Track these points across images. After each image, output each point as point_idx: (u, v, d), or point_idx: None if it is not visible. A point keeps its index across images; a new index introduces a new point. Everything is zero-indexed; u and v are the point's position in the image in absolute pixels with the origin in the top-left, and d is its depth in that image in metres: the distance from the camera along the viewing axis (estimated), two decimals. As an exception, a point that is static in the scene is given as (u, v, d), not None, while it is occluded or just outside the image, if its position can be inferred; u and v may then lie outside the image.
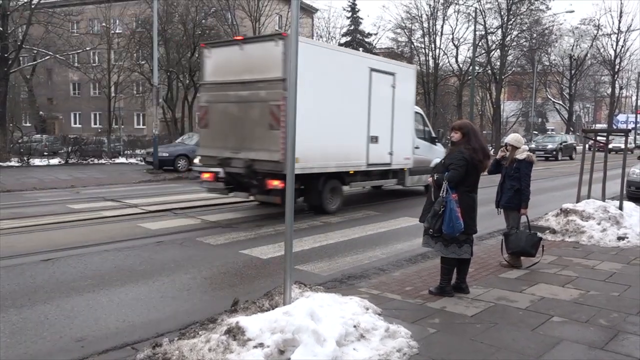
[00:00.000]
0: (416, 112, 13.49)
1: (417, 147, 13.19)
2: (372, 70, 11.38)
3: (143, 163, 23.73)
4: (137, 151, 28.61)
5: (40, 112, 39.09)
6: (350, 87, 10.91)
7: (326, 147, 10.37)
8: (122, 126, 36.64)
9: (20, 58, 30.37)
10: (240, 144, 9.98)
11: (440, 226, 5.02)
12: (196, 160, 13.47)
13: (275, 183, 9.59)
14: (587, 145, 10.34)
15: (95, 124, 47.13)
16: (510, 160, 6.56)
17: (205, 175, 11.06)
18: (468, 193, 5.18)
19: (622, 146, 10.48)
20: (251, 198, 10.94)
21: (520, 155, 6.52)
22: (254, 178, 9.99)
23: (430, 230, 5.14)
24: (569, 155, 35.18)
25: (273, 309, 4.24)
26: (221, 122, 10.38)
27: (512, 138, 6.71)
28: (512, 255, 6.53)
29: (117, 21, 36.62)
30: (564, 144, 35.23)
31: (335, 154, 10.62)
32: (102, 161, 25.60)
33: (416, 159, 12.96)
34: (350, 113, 10.97)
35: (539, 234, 6.67)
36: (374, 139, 11.50)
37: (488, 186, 7.72)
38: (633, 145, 38.15)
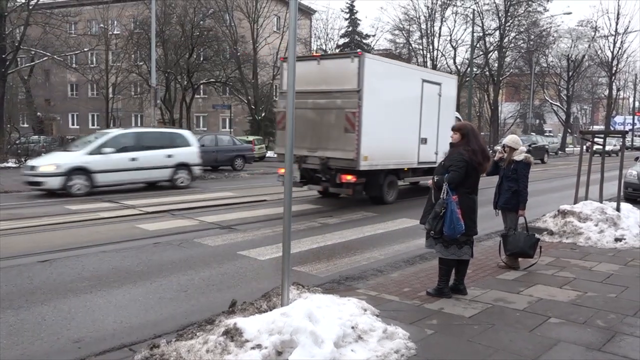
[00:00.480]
0: (456, 117, 14.97)
1: None
2: (424, 81, 13.12)
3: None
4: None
5: (38, 113, 39.06)
6: (407, 95, 12.64)
7: (388, 148, 11.87)
8: (120, 127, 36.55)
9: (18, 59, 30.33)
10: (316, 144, 11.46)
11: (441, 228, 5.03)
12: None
13: (349, 177, 11.24)
14: (584, 147, 10.36)
15: (93, 125, 47.06)
16: (508, 161, 6.57)
17: (281, 171, 12.50)
18: (468, 194, 5.18)
19: (606, 148, 10.52)
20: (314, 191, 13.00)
21: (518, 156, 6.54)
22: (328, 173, 11.57)
23: (432, 232, 5.14)
24: (540, 158, 31.81)
25: (271, 310, 4.24)
26: (298, 125, 11.82)
27: (509, 139, 6.72)
28: (510, 257, 6.54)
29: (115, 22, 36.65)
30: (532, 145, 32.05)
31: (394, 153, 12.19)
32: (100, 162, 25.50)
33: None
34: (407, 118, 12.60)
35: (537, 235, 6.69)
36: (423, 141, 13.11)
37: (486, 187, 7.73)
38: (617, 147, 36.50)
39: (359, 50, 12.30)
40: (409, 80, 12.75)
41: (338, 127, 11.17)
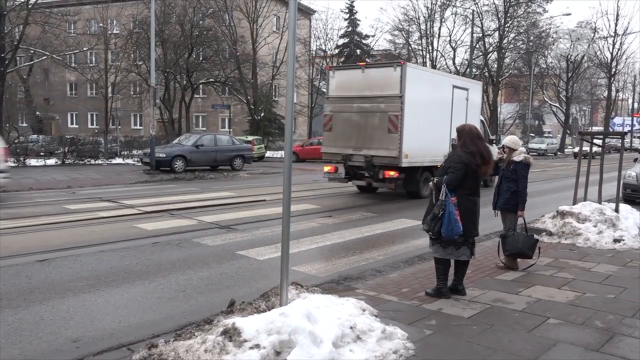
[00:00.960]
0: (480, 120, 16.48)
1: None
2: (454, 87, 14.55)
3: (140, 164, 23.70)
4: (134, 152, 28.56)
5: (37, 113, 38.99)
6: (440, 100, 13.95)
7: (424, 147, 13.05)
8: (119, 127, 36.61)
9: (17, 58, 30.31)
10: (361, 143, 12.92)
11: (439, 229, 5.02)
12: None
13: (392, 173, 12.55)
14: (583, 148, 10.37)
15: (92, 124, 47.03)
16: (507, 162, 6.57)
17: (327, 168, 14.00)
18: (468, 196, 5.16)
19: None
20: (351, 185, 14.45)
21: (517, 157, 6.54)
22: (372, 170, 12.83)
23: (430, 232, 5.14)
24: None
25: (269, 310, 4.24)
26: (344, 127, 13.39)
27: (509, 140, 6.73)
28: (508, 257, 6.54)
29: (115, 22, 36.60)
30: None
31: (429, 152, 13.23)
32: (99, 162, 25.52)
33: None
34: (439, 120, 13.85)
35: (536, 236, 6.69)
36: (453, 140, 13.88)
37: (486, 188, 7.73)
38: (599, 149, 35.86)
39: (401, 60, 16.38)
40: (441, 86, 14.15)
41: (382, 129, 12.59)
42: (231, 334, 3.67)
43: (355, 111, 13.08)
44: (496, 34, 41.31)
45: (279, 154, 33.30)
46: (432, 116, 13.52)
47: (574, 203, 9.23)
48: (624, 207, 9.22)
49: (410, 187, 13.36)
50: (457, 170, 5.07)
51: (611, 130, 53.89)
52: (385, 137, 12.45)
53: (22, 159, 23.14)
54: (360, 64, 14.54)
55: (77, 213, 10.59)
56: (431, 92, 13.52)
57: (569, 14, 55.33)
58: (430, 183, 5.40)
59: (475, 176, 5.21)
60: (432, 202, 5.26)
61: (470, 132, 5.32)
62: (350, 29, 45.56)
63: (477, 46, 40.29)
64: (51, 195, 13.30)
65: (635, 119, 60.20)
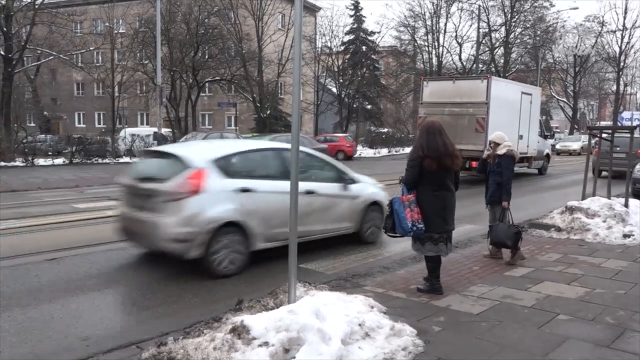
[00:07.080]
0: (539, 119, 19.53)
1: (538, 142, 19.28)
2: (522, 93, 17.76)
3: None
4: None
5: (45, 112, 39.22)
6: (512, 104, 16.84)
7: None
8: (126, 125, 36.76)
9: (24, 58, 30.49)
10: (452, 140, 14.61)
11: (392, 226, 5.05)
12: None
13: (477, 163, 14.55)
14: (592, 143, 10.29)
15: (99, 123, 47.23)
16: (493, 156, 6.63)
17: None
18: (433, 191, 5.08)
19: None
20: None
21: (500, 150, 6.60)
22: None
23: (383, 229, 5.17)
24: None
25: (278, 307, 4.23)
26: None
27: (495, 136, 6.87)
28: (493, 247, 6.63)
29: (121, 21, 36.70)
30: None
31: None
32: (107, 160, 25.61)
33: (538, 150, 19.23)
34: (512, 120, 16.64)
35: (519, 228, 6.69)
36: (520, 137, 17.07)
37: (480, 185, 7.68)
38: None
39: (487, 74, 20.80)
40: (513, 93, 17.24)
41: (470, 128, 15.48)
42: (240, 331, 3.68)
43: (447, 114, 15.74)
44: (503, 29, 41.14)
45: (286, 151, 33.22)
46: (507, 117, 16.15)
47: (583, 198, 9.16)
48: (634, 202, 9.15)
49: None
50: (411, 167, 5.09)
51: (620, 124, 53.50)
52: (473, 135, 15.27)
53: (30, 158, 23.27)
54: (452, 76, 17.45)
55: (85, 212, 10.63)
56: (507, 98, 16.42)
57: (576, 8, 54.32)
58: (398, 181, 5.35)
59: (443, 171, 5.10)
60: None
61: (425, 127, 5.30)
62: (355, 26, 45.34)
63: (484, 41, 40.12)
64: (59, 194, 13.36)
65: (644, 113, 59.61)
